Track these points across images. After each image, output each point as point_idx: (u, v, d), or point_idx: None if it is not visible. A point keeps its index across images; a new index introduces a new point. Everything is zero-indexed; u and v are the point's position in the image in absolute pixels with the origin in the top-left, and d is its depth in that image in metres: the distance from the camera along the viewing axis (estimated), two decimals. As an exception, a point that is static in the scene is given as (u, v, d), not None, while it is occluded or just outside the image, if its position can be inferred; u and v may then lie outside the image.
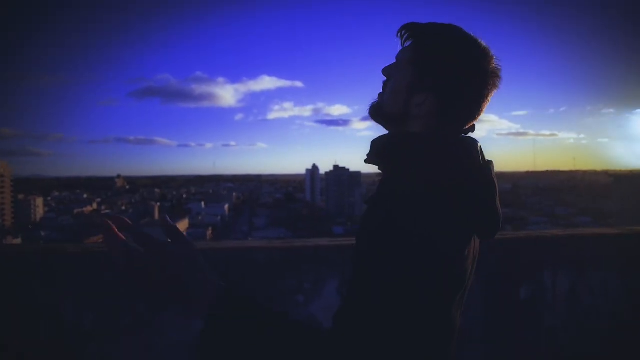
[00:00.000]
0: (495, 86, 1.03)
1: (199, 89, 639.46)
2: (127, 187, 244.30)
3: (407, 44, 1.07)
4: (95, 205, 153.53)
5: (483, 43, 1.02)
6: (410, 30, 1.06)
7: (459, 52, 1.00)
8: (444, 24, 1.05)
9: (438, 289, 0.86)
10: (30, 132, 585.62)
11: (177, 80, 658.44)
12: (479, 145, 1.02)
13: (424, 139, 1.01)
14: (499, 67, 1.03)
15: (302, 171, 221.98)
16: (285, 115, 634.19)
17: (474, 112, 1.05)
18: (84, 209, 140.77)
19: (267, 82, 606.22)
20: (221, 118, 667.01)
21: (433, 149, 0.98)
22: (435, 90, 1.01)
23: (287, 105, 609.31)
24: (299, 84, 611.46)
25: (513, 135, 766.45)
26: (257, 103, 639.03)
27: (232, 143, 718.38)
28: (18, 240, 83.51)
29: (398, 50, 1.10)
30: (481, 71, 1.01)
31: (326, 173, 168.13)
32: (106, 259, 2.37)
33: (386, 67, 1.11)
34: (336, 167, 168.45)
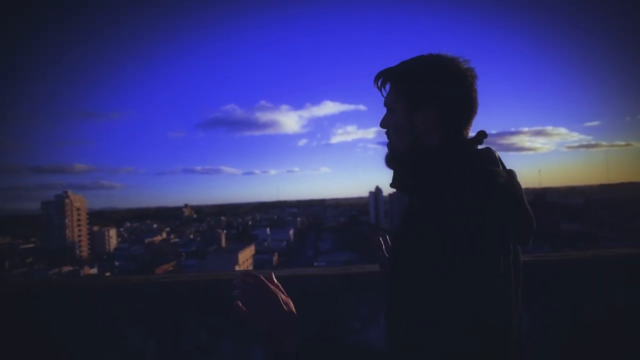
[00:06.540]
0: (473, 77, 1.14)
1: (263, 116, 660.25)
2: (194, 215, 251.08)
3: (387, 88, 1.20)
4: (164, 235, 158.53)
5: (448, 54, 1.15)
6: (383, 76, 1.19)
7: (431, 64, 1.13)
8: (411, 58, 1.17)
9: (491, 294, 0.91)
10: (102, 166, 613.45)
11: (242, 110, 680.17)
12: (496, 153, 1.12)
13: (445, 152, 1.09)
14: (466, 65, 1.13)
15: (366, 194, 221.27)
16: (349, 138, 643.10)
17: (468, 105, 1.14)
18: (154, 238, 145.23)
19: (329, 107, 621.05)
20: (285, 144, 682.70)
21: (457, 159, 1.07)
22: (428, 103, 1.12)
23: (350, 128, 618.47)
24: (362, 107, 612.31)
25: (584, 148, 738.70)
26: (320, 128, 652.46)
27: (296, 169, 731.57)
28: (94, 270, 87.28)
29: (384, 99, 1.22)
30: (455, 70, 1.12)
31: (390, 194, 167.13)
32: (169, 288, 2.46)
33: (381, 121, 1.23)
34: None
